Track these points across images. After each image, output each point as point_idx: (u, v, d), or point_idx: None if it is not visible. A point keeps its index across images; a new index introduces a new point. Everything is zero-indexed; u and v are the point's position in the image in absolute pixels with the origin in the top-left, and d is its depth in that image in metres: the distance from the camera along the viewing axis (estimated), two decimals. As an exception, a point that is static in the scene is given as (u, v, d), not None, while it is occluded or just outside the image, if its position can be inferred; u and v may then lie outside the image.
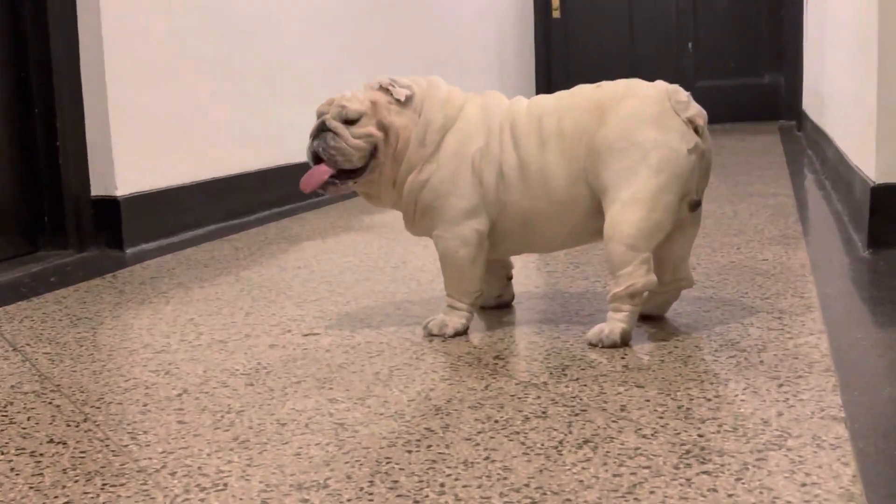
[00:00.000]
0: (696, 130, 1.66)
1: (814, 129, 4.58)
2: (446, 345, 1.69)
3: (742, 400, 1.35)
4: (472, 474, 1.13)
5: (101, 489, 1.14)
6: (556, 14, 7.29)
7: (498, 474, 1.13)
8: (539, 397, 1.39)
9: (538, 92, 7.00)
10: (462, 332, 1.75)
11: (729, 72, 6.94)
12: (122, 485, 1.15)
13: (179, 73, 3.06)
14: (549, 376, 1.49)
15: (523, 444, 1.22)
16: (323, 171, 1.75)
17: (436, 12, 5.34)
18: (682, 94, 1.68)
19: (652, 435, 1.23)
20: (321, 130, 1.75)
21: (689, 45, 7.07)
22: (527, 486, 1.09)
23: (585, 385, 1.44)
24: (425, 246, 2.59)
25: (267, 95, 3.56)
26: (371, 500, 1.07)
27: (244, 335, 1.80)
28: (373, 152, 1.74)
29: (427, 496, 1.08)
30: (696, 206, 1.69)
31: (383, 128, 1.74)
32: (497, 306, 1.93)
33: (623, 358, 1.57)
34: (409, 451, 1.21)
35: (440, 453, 1.20)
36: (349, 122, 1.74)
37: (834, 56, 3.58)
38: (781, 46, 6.72)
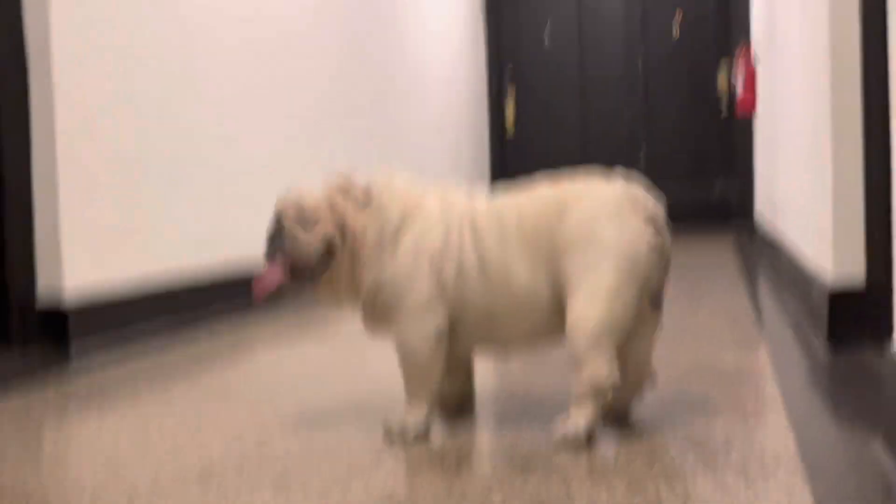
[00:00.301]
0: (655, 226, 1.69)
1: (766, 236, 4.67)
2: (408, 447, 1.67)
3: (713, 497, 1.35)
4: (438, 573, 1.10)
5: None
6: (510, 132, 7.46)
7: (465, 573, 1.10)
8: (504, 499, 1.37)
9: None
10: (424, 433, 1.73)
11: (680, 179, 7.08)
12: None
13: (132, 178, 3.05)
14: (514, 476, 1.47)
15: (490, 543, 1.19)
16: (276, 275, 1.75)
17: (393, 117, 5.41)
18: (640, 193, 1.72)
19: (622, 532, 1.21)
20: (278, 231, 1.76)
21: (641, 153, 7.23)
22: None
23: (552, 484, 1.42)
24: (383, 347, 2.57)
25: (220, 199, 3.57)
26: None
27: (196, 440, 1.76)
28: (329, 252, 1.75)
29: None
30: (657, 302, 1.70)
31: (341, 227, 1.75)
32: (459, 406, 1.91)
33: (588, 457, 1.56)
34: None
35: (404, 553, 1.17)
36: (307, 223, 1.75)
37: (787, 162, 3.68)
38: (732, 153, 6.90)
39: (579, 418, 1.63)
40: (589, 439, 1.62)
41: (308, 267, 1.74)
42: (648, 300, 1.68)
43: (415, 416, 1.73)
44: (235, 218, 3.63)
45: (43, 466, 1.63)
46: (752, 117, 5.74)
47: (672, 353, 2.41)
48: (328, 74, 4.54)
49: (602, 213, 1.67)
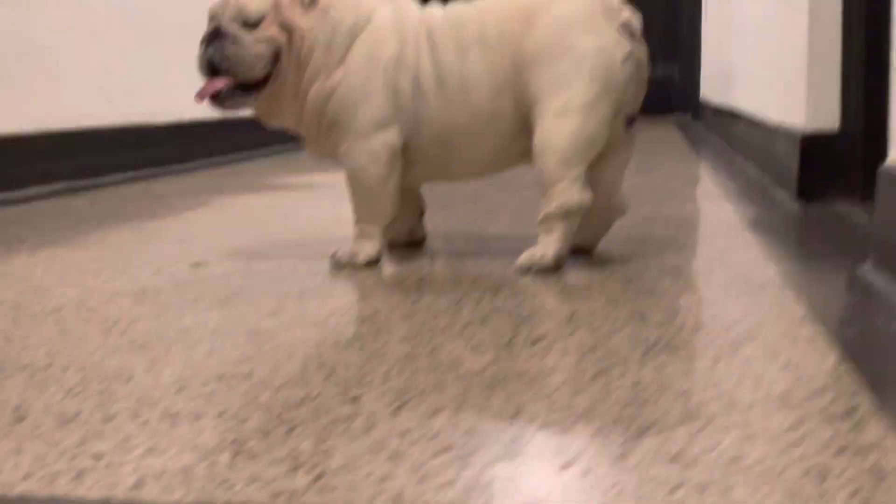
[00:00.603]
0: (631, 35, 1.57)
1: (715, 115, 4.61)
2: (359, 272, 1.55)
3: (699, 308, 1.26)
4: (417, 365, 1.00)
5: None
6: None
7: (447, 365, 1.00)
8: (475, 309, 1.27)
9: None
10: (375, 261, 1.61)
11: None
12: (6, 378, 0.98)
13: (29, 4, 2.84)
14: (483, 294, 1.36)
15: (469, 342, 1.09)
16: (219, 83, 1.59)
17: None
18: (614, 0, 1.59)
19: (608, 335, 1.12)
20: (215, 36, 1.57)
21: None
22: (483, 372, 0.97)
23: (524, 300, 1.32)
24: (325, 198, 2.44)
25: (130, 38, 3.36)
26: (307, 388, 0.93)
27: (121, 266, 1.63)
28: (275, 59, 1.60)
29: (371, 382, 0.94)
30: (631, 122, 1.60)
31: (287, 30, 1.59)
32: (408, 244, 1.79)
33: (559, 280, 1.46)
34: (341, 350, 1.07)
35: (376, 350, 1.07)
36: (249, 24, 1.59)
37: (745, 28, 3.58)
38: (676, 39, 6.80)
39: (548, 244, 1.53)
40: (557, 265, 1.52)
41: (252, 76, 1.59)
42: (623, 119, 1.57)
43: (365, 243, 1.61)
44: (153, 59, 3.43)
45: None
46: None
47: (633, 205, 2.32)
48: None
49: (574, 20, 1.54)
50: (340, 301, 1.35)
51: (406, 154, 1.61)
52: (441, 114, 1.58)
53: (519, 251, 1.55)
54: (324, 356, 1.04)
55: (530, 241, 1.55)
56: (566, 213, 1.51)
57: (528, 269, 1.52)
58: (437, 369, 0.98)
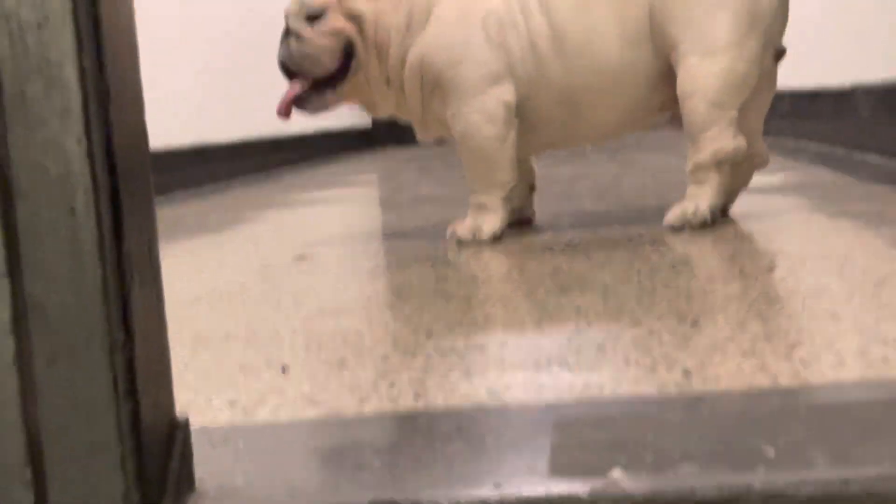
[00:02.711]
0: None
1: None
2: (484, 249, 1.47)
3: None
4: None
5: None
6: None
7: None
8: (610, 261, 1.20)
9: None
10: (498, 236, 1.54)
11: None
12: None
13: None
14: (619, 251, 1.30)
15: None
16: (294, 87, 1.56)
17: None
18: None
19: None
20: (285, 36, 1.56)
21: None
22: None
23: (665, 252, 1.26)
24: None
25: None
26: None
27: (226, 263, 1.54)
28: (349, 51, 1.55)
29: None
30: (780, 55, 1.54)
31: (354, 19, 1.54)
32: (517, 222, 1.72)
33: (712, 235, 1.40)
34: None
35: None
36: (312, 18, 1.54)
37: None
38: None
39: (700, 196, 1.47)
40: (713, 218, 1.46)
41: (325, 71, 1.55)
42: (772, 53, 1.52)
43: (487, 216, 1.54)
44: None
45: None
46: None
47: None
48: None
49: None
50: (472, 272, 1.28)
51: (524, 120, 1.54)
52: (563, 76, 1.51)
53: (635, 221, 1.48)
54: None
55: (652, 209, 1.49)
56: (720, 162, 1.45)
57: (681, 226, 1.45)
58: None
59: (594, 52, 1.51)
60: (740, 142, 1.45)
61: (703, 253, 1.26)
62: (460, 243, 1.52)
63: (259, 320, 1.06)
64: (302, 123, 5.11)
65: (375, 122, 6.85)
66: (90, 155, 0.49)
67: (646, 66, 1.50)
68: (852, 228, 1.33)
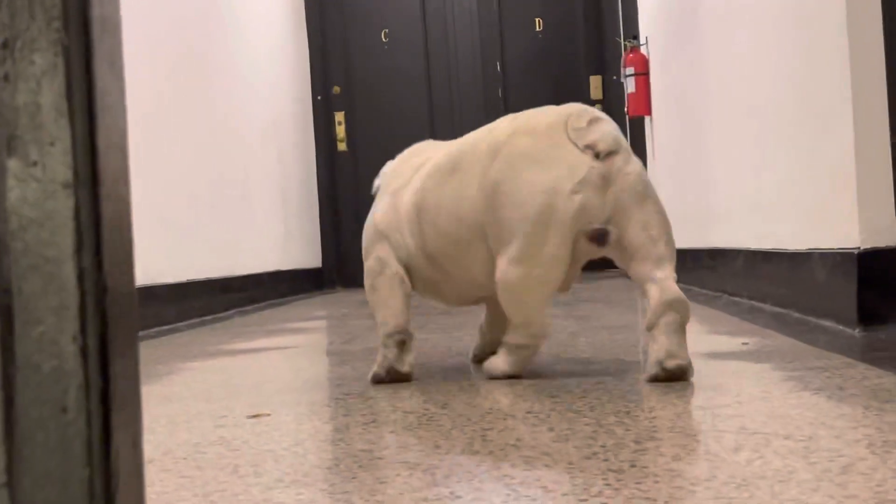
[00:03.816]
0: (597, 156, 1.62)
1: (693, 259, 4.66)
2: (447, 414, 1.49)
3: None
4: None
5: None
6: (341, 147, 7.01)
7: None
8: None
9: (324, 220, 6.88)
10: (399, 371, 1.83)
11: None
12: None
13: None
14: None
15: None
16: None
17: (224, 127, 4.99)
18: (584, 119, 1.66)
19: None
20: None
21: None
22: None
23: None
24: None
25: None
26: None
27: (182, 420, 1.54)
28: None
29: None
30: (599, 236, 1.63)
31: None
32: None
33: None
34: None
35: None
36: None
37: (745, 160, 3.63)
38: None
39: (503, 363, 1.75)
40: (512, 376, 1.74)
41: None
42: (586, 237, 1.64)
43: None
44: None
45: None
46: (645, 117, 5.80)
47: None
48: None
49: (528, 155, 1.65)
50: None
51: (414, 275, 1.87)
52: (424, 241, 1.81)
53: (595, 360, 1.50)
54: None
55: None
56: (519, 347, 1.75)
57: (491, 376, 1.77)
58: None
59: (442, 221, 1.77)
60: (546, 328, 1.74)
61: (670, 425, 1.28)
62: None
63: (217, 491, 1.06)
64: (250, 265, 5.10)
65: (325, 263, 6.87)
66: (84, 353, 0.51)
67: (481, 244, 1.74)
68: (815, 406, 1.36)
